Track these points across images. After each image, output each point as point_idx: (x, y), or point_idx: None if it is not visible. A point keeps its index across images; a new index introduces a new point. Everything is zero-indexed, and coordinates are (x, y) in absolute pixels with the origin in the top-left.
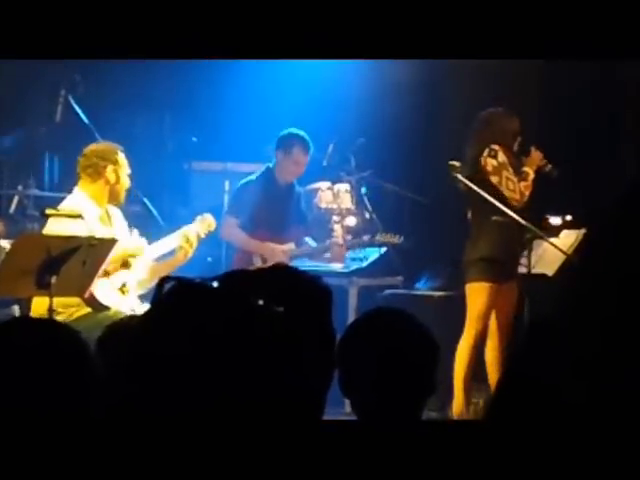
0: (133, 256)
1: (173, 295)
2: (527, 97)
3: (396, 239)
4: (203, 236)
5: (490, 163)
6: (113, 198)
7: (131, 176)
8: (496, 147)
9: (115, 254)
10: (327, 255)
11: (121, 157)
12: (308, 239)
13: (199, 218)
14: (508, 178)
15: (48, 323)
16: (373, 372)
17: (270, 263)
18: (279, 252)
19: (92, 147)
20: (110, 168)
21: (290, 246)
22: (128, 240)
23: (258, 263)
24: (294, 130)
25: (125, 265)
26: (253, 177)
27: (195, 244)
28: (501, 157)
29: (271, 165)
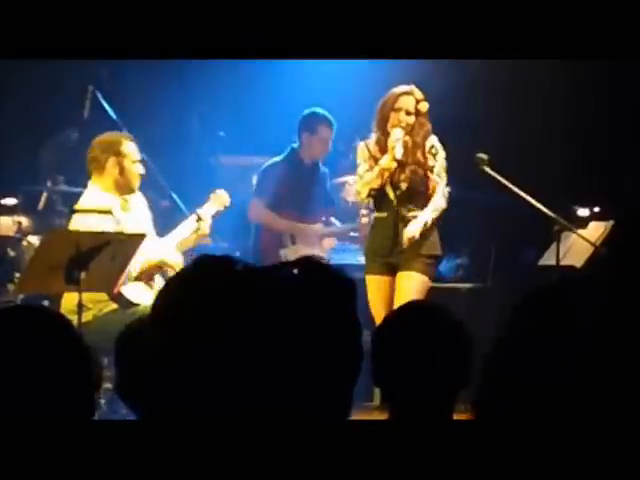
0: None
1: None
2: (553, 89)
3: None
4: (214, 212)
5: (356, 160)
6: (123, 188)
7: (144, 162)
8: (362, 143)
9: (146, 261)
10: (356, 235)
11: (126, 147)
12: (335, 220)
13: (212, 195)
14: (359, 175)
15: (39, 312)
16: (406, 363)
17: (300, 242)
18: (308, 231)
19: (97, 139)
20: (112, 161)
21: (319, 226)
22: (161, 247)
23: (287, 242)
24: (316, 109)
25: (158, 267)
26: (278, 159)
27: (207, 221)
28: (359, 156)
29: (295, 146)
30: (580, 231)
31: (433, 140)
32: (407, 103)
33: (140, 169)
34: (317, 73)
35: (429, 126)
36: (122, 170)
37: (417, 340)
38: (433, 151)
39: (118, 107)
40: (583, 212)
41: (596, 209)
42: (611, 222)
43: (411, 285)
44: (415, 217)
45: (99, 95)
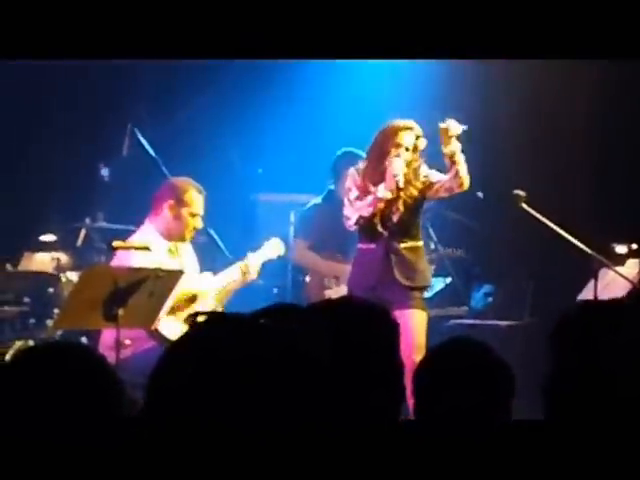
0: (196, 294)
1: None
2: (589, 113)
3: (459, 253)
4: (265, 260)
5: (345, 185)
6: (174, 235)
7: (203, 217)
8: (353, 169)
9: (180, 292)
10: None
11: (190, 197)
12: None
13: (266, 243)
14: (349, 201)
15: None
16: (450, 400)
17: (343, 283)
18: None
19: (168, 181)
20: (170, 205)
21: None
22: (195, 278)
23: (331, 285)
24: (350, 149)
25: (191, 300)
26: (317, 201)
27: (253, 273)
28: (349, 181)
29: (332, 187)
30: (617, 268)
31: (425, 169)
32: (408, 140)
33: (197, 223)
34: (352, 108)
35: (421, 161)
36: (178, 217)
37: (461, 376)
38: (429, 177)
39: (156, 144)
40: (621, 249)
41: (634, 246)
42: None
43: (414, 324)
44: (408, 248)
45: (138, 133)
